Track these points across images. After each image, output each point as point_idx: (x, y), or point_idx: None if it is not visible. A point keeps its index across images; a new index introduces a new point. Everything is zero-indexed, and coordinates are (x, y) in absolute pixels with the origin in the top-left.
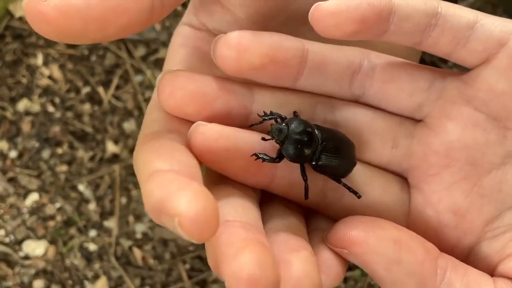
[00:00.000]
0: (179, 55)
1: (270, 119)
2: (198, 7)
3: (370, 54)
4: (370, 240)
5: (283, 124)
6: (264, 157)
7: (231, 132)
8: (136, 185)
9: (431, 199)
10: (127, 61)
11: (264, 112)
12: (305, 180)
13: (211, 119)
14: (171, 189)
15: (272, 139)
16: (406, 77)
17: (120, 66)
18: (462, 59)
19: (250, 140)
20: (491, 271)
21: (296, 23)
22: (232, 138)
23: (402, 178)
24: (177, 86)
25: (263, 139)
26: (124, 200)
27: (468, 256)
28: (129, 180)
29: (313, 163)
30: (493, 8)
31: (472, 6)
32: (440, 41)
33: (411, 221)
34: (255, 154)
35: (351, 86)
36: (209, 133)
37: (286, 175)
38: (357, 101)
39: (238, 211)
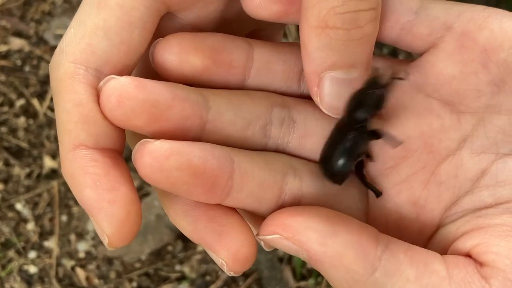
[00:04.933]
0: None
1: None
2: None
3: None
4: (300, 218)
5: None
6: None
7: (182, 148)
8: (77, 202)
9: (390, 193)
10: None
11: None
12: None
13: (163, 132)
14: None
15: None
16: None
17: None
18: (409, 45)
19: (203, 154)
20: (445, 252)
21: None
22: (185, 155)
23: None
24: (125, 95)
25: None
26: (64, 218)
27: (427, 245)
28: (69, 196)
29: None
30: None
31: None
32: (383, 26)
33: (371, 217)
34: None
35: (300, 84)
36: (159, 151)
37: (244, 188)
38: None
39: None
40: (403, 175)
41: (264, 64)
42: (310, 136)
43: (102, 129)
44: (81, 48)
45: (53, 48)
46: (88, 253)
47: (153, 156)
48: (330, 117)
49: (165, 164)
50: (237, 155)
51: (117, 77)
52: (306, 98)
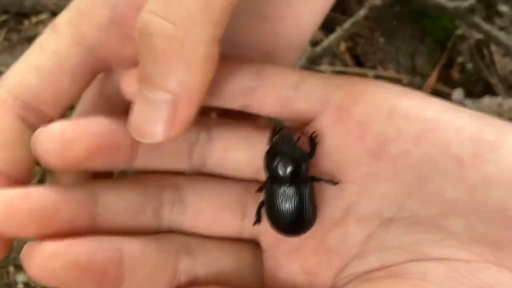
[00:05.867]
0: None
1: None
2: None
3: (210, 122)
4: None
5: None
6: None
7: (67, 247)
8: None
9: (282, 261)
10: None
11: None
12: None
13: (55, 234)
14: None
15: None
16: (243, 143)
17: None
18: (291, 118)
19: (90, 249)
20: None
21: None
22: (70, 253)
23: (255, 244)
24: (11, 208)
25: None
26: None
27: None
28: None
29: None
30: (370, 31)
31: (349, 30)
32: (265, 102)
33: (266, 287)
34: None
35: (190, 159)
36: (44, 254)
37: (136, 275)
38: (200, 172)
39: None
40: (293, 244)
41: (150, 149)
42: (202, 214)
43: None
44: (16, 80)
45: None
46: (26, 284)
47: (39, 259)
48: (222, 194)
49: (52, 265)
50: (127, 242)
51: (1, 192)
52: (198, 173)
